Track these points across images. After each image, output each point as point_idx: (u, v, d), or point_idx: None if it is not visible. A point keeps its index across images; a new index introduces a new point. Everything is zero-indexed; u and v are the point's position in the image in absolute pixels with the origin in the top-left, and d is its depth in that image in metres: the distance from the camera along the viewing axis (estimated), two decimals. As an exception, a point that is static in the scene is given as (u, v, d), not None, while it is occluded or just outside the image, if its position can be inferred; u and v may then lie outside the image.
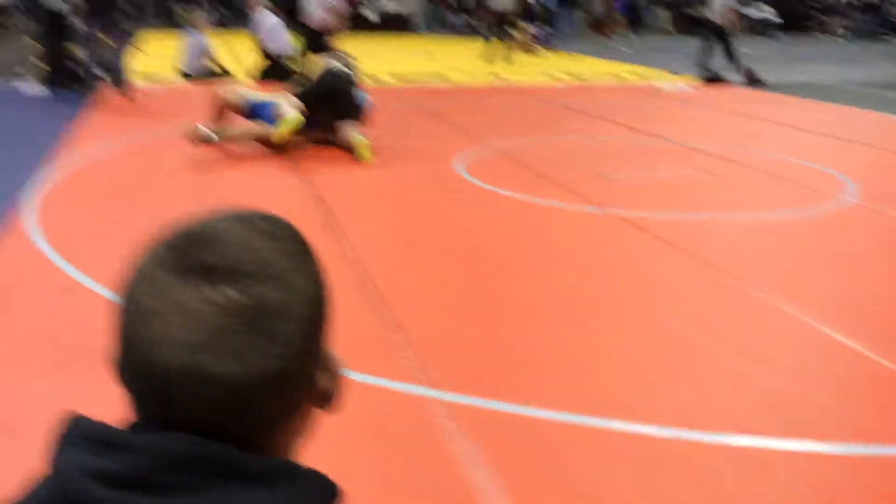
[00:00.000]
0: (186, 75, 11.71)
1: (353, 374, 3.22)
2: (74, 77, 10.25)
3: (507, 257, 4.86)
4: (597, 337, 3.78)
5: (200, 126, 6.90)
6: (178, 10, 20.72)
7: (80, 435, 0.66)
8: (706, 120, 10.14)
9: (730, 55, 13.36)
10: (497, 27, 16.38)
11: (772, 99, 12.15)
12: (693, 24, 14.26)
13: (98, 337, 3.59)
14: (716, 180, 6.90)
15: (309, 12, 10.52)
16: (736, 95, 12.46)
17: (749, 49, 21.77)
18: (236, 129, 7.26)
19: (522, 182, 6.54)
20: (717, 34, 13.33)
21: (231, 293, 0.64)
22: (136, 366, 0.66)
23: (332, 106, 7.41)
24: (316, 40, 10.27)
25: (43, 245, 4.64)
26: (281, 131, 6.99)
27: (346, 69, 7.58)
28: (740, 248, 5.10)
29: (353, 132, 7.29)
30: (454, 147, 7.82)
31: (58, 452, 0.66)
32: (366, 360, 3.34)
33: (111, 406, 2.92)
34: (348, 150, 7.32)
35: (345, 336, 3.55)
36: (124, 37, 9.93)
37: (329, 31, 10.18)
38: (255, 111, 7.38)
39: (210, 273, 0.65)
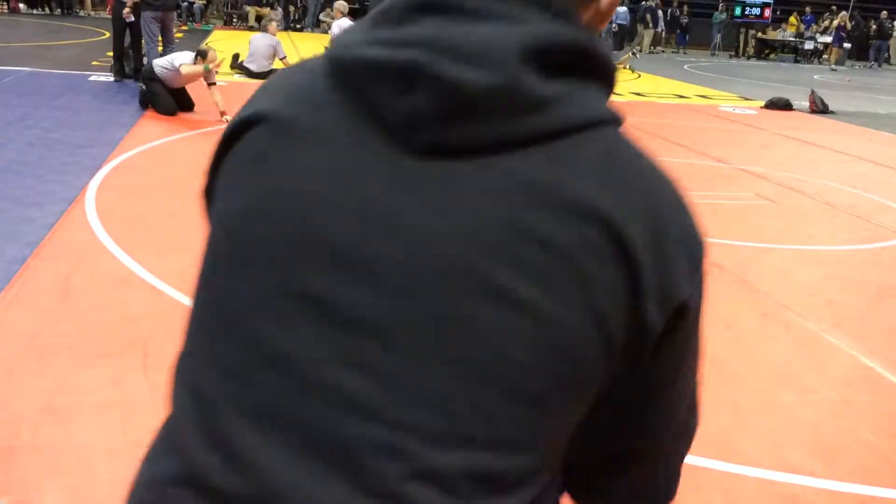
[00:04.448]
0: (250, 72, 11.88)
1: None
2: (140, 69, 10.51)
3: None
4: (641, 360, 3.73)
5: None
6: (253, 11, 21.08)
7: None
8: (768, 145, 9.98)
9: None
10: None
11: (839, 128, 11.93)
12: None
13: (148, 328, 3.60)
14: (774, 207, 6.79)
15: None
16: (801, 121, 12.25)
17: (818, 76, 21.36)
18: None
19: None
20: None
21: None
22: None
23: None
24: None
25: (101, 233, 4.75)
26: None
27: None
28: (792, 278, 5.01)
29: None
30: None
31: None
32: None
33: (156, 396, 2.94)
34: None
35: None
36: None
37: None
38: None
39: None
